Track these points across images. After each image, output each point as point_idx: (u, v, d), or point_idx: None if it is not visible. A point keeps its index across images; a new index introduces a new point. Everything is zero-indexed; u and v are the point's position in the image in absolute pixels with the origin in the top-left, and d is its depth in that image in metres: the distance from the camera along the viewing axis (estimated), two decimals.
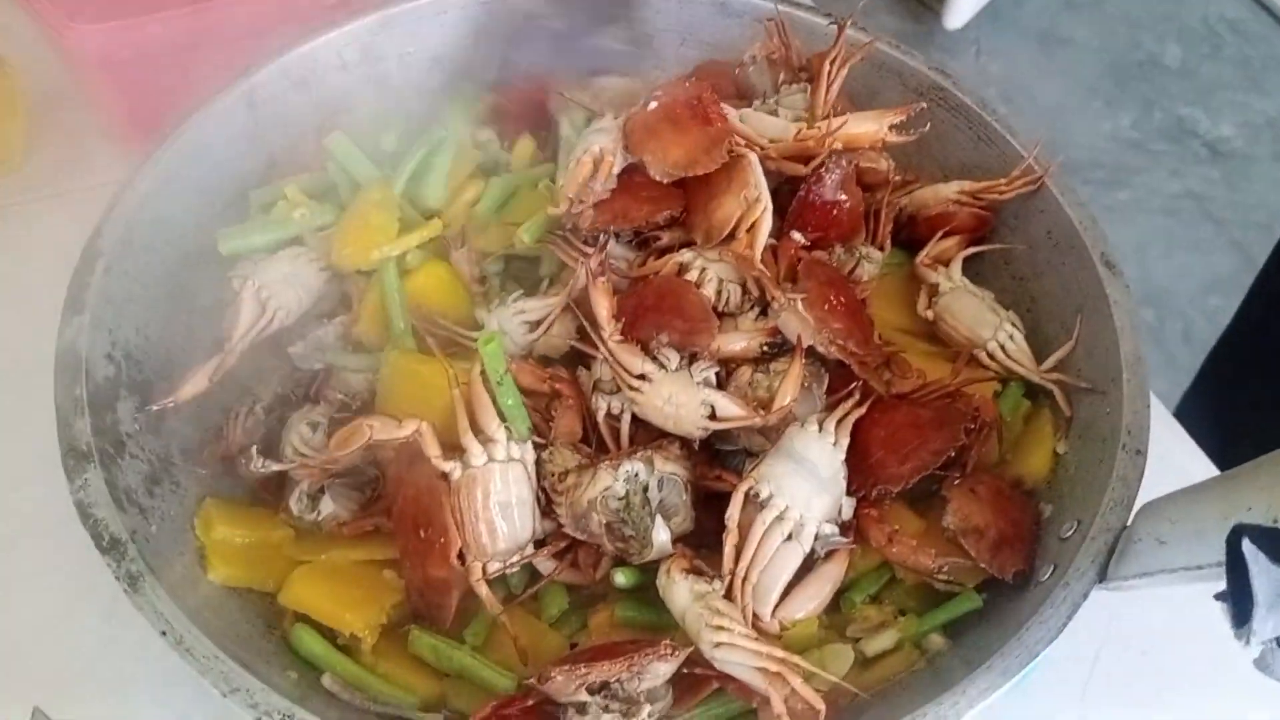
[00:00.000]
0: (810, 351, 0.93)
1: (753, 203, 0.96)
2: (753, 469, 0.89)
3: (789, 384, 0.89)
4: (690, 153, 0.98)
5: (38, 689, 0.96)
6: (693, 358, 0.93)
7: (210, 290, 1.05)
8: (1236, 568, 0.68)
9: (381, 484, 0.95)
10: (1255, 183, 3.12)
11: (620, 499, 0.86)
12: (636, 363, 0.91)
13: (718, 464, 0.95)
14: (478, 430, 0.87)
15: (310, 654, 0.88)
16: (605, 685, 0.78)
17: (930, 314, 1.05)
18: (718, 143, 0.97)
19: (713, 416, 0.90)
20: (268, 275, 1.01)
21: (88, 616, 1.00)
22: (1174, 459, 0.88)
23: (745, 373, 0.94)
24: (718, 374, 0.94)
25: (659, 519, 0.86)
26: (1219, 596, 0.71)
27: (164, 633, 0.77)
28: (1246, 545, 0.67)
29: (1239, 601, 0.68)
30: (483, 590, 0.86)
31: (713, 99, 1.00)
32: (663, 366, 0.91)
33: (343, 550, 0.93)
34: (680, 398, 0.89)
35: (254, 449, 0.93)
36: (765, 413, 0.89)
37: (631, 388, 0.91)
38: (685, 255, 0.98)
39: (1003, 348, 1.01)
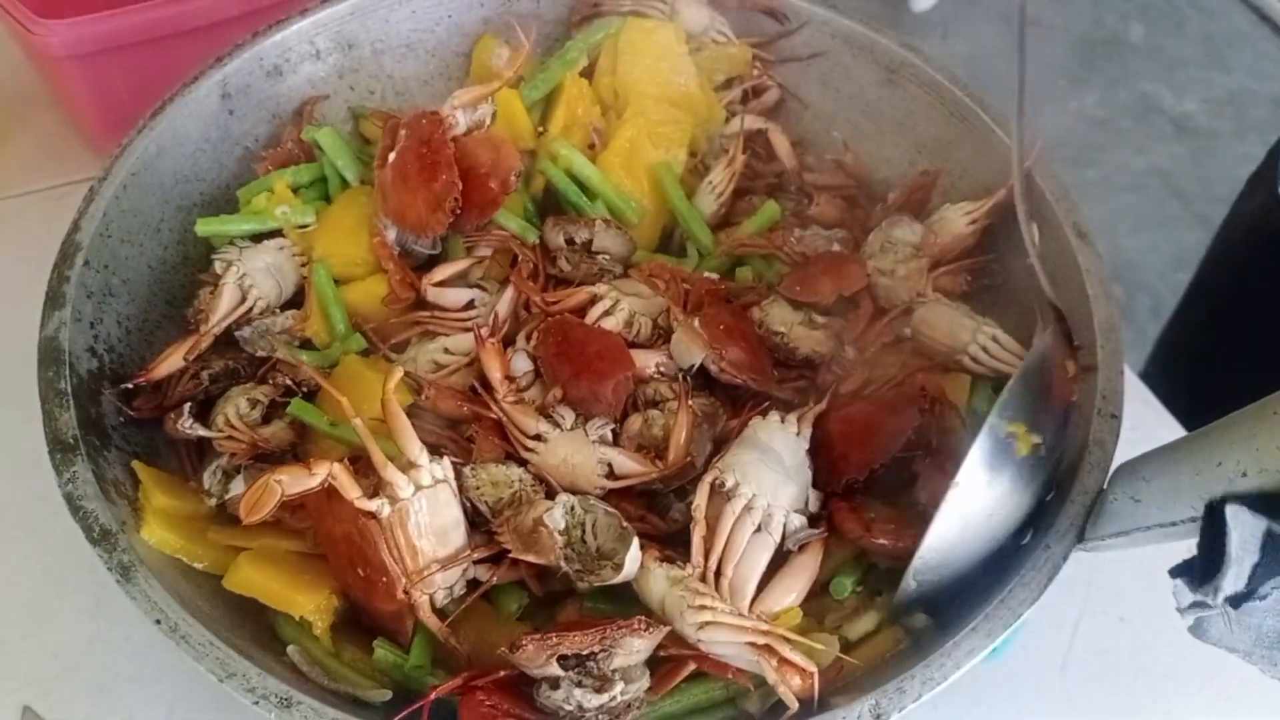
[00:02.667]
0: (704, 382, 0.94)
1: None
2: (717, 460, 0.89)
3: (680, 430, 0.89)
4: (421, 216, 1.00)
5: (26, 687, 0.96)
6: (588, 416, 0.92)
7: (190, 282, 1.05)
8: (1213, 529, 0.70)
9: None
10: (1219, 158, 3.17)
11: (562, 532, 0.83)
12: (531, 423, 0.91)
13: (643, 505, 0.92)
14: (397, 458, 0.83)
15: (283, 630, 0.87)
16: (579, 661, 0.77)
17: (908, 330, 1.03)
18: (442, 201, 0.99)
19: (611, 474, 0.89)
20: (252, 264, 1.02)
21: (74, 613, 1.00)
22: (1147, 427, 0.89)
23: (635, 421, 0.93)
24: (614, 431, 0.93)
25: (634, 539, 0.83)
26: (1174, 572, 0.72)
27: (158, 621, 0.77)
28: (1230, 508, 0.68)
29: (1206, 560, 0.69)
30: (434, 623, 0.84)
31: (442, 141, 1.00)
32: (557, 425, 0.91)
33: (272, 539, 0.90)
34: (576, 458, 0.89)
35: (187, 407, 0.93)
36: (662, 464, 0.89)
37: (527, 448, 0.90)
38: (600, 288, 1.00)
39: (985, 350, 0.99)
